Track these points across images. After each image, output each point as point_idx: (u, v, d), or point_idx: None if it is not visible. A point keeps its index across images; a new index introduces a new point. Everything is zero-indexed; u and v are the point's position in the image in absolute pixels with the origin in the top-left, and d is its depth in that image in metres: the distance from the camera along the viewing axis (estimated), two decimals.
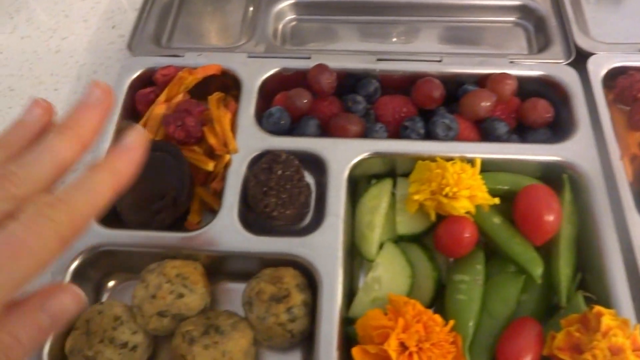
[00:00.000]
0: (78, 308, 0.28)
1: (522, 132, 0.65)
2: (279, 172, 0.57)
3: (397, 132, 0.65)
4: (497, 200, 0.55)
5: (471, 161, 0.57)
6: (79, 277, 0.55)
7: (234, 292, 0.59)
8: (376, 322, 0.48)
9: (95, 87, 0.32)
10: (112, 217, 0.60)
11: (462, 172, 0.54)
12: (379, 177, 0.63)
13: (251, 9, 0.79)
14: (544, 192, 0.55)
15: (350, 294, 0.56)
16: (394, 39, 0.76)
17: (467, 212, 0.54)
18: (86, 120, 0.31)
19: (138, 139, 0.33)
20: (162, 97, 0.64)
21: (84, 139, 0.30)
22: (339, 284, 0.53)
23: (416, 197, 0.55)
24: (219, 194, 0.61)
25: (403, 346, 0.47)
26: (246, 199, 0.59)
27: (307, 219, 0.61)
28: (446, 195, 0.53)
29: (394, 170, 0.63)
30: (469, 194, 0.53)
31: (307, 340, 0.54)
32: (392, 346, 0.46)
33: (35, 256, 0.26)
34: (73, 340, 0.52)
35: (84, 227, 0.28)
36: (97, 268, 0.57)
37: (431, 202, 0.55)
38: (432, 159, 0.58)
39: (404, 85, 0.68)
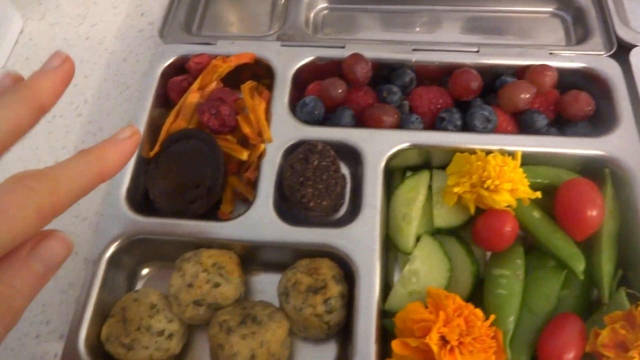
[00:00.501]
0: (67, 254, 0.29)
1: (560, 125, 0.64)
2: (315, 162, 0.56)
3: (432, 123, 0.64)
4: (538, 194, 0.53)
5: (511, 154, 0.56)
6: (113, 264, 0.55)
7: (267, 282, 0.58)
8: (417, 315, 0.48)
9: (55, 56, 0.32)
10: (145, 205, 0.60)
11: (504, 164, 0.53)
12: (412, 169, 0.62)
13: None
14: (587, 187, 0.54)
15: (385, 287, 0.56)
16: (429, 29, 0.74)
17: (508, 206, 0.53)
18: (45, 84, 0.30)
19: (131, 134, 0.33)
20: (196, 85, 0.64)
21: (42, 102, 0.30)
22: (376, 276, 0.52)
23: (456, 189, 0.54)
24: (252, 184, 0.61)
25: (444, 340, 0.47)
26: (281, 189, 0.58)
27: (342, 211, 0.61)
28: (487, 188, 0.52)
29: (428, 162, 0.62)
30: (511, 187, 0.52)
31: (341, 331, 0.54)
32: (433, 340, 0.46)
33: (12, 223, 0.26)
34: (109, 327, 0.52)
35: (65, 205, 0.29)
36: (131, 256, 0.57)
37: (471, 195, 0.54)
38: (471, 151, 0.57)
39: (439, 75, 0.67)
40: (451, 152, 0.58)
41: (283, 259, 0.57)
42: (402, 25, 0.75)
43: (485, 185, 0.52)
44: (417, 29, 0.74)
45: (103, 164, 0.31)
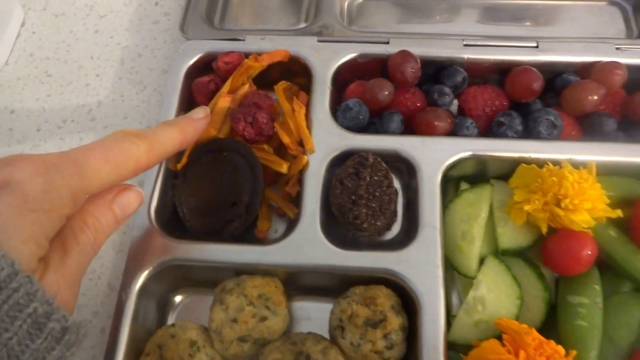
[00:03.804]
0: (140, 205, 0.38)
1: (627, 128, 0.58)
2: (368, 177, 0.50)
3: (487, 128, 0.58)
4: (619, 213, 0.48)
5: (581, 164, 0.50)
6: (144, 294, 0.49)
7: (312, 308, 0.54)
8: (494, 356, 0.43)
9: (200, 109, 0.48)
10: (175, 223, 0.54)
11: (582, 181, 0.47)
12: (465, 179, 0.57)
13: None
14: None
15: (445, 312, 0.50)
16: (476, 19, 0.67)
17: (587, 227, 0.48)
18: (189, 129, 0.45)
19: (205, 115, 0.46)
20: (226, 87, 0.57)
21: (184, 139, 0.43)
22: (441, 306, 0.47)
23: (527, 207, 0.48)
24: (293, 199, 0.55)
25: None
26: (327, 206, 0.53)
27: (395, 228, 0.55)
28: (564, 208, 0.47)
29: (485, 172, 0.56)
30: (591, 206, 0.47)
31: None
32: None
33: (117, 167, 0.34)
34: None
35: (154, 163, 0.38)
36: (163, 283, 0.51)
37: (543, 214, 0.48)
38: (537, 161, 0.52)
39: (492, 73, 0.61)
40: (512, 162, 0.53)
41: (330, 283, 0.52)
42: (447, 15, 0.68)
43: (563, 205, 0.47)
44: (463, 19, 0.67)
45: (183, 137, 0.41)
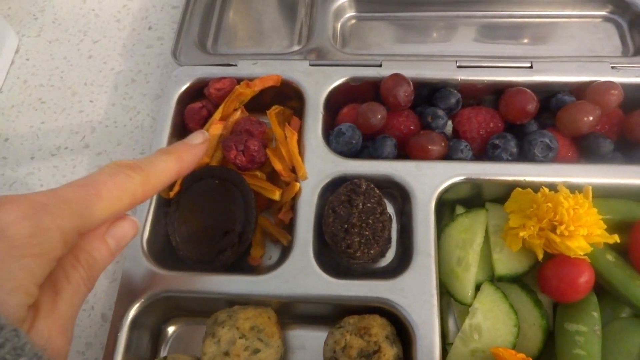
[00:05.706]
0: (135, 235, 0.36)
1: (624, 148, 0.57)
2: (360, 205, 0.50)
3: (481, 150, 0.58)
4: (616, 238, 0.47)
5: (577, 187, 0.50)
6: (136, 326, 0.49)
7: (306, 337, 0.53)
8: None
9: (199, 134, 0.43)
10: (167, 253, 0.54)
11: (578, 206, 0.46)
12: (461, 202, 0.56)
13: (305, 5, 0.70)
14: None
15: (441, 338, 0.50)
16: (470, 38, 0.67)
17: (583, 254, 0.47)
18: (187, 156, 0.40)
19: (203, 140, 0.42)
20: (217, 114, 0.57)
21: (182, 167, 0.39)
22: (436, 335, 0.46)
23: (522, 233, 0.48)
24: (286, 226, 0.55)
25: None
26: (320, 234, 0.52)
27: (389, 255, 0.54)
28: (560, 234, 0.46)
29: (480, 196, 0.55)
30: (587, 232, 0.46)
31: None
32: None
33: (112, 203, 0.32)
34: None
35: (149, 196, 0.36)
36: (155, 314, 0.51)
37: (539, 240, 0.48)
38: (532, 185, 0.51)
39: (486, 94, 0.60)
40: (507, 185, 0.52)
41: (325, 312, 0.51)
42: (441, 33, 0.67)
43: (558, 231, 0.46)
44: (458, 40, 0.67)
45: (180, 166, 0.39)
